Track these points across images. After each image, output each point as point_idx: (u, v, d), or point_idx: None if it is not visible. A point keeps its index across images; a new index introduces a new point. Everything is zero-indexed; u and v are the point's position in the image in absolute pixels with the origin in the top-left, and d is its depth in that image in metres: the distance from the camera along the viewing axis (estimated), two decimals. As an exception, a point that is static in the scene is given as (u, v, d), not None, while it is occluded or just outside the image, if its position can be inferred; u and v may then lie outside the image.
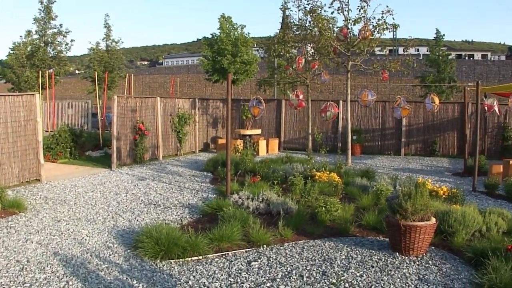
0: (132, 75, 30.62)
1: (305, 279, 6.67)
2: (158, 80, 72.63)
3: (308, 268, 7.07)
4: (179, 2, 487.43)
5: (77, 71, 72.89)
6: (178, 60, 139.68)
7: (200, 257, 7.45)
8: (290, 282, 6.57)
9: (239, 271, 6.94)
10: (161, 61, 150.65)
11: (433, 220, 7.94)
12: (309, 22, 20.47)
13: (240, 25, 27.75)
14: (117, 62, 37.37)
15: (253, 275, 6.79)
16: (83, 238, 8.53)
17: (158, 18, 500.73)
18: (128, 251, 7.79)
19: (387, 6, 18.30)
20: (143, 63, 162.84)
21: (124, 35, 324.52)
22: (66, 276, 6.74)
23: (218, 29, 27.28)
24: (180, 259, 7.33)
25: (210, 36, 27.79)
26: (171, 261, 7.30)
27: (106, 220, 9.80)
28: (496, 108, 18.09)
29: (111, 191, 12.78)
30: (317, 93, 45.77)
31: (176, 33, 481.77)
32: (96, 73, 29.01)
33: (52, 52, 34.28)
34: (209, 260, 7.39)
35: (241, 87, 43.72)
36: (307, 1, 19.95)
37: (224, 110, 24.31)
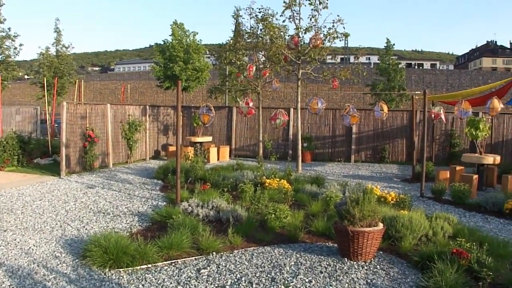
0: (83, 81, 30.24)
1: (254, 286, 6.67)
2: (109, 87, 71.84)
3: (257, 275, 7.07)
4: (131, 8, 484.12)
5: (26, 76, 71.42)
6: (130, 66, 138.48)
7: (150, 266, 7.36)
8: (240, 289, 6.57)
9: (189, 279, 6.89)
10: (113, 67, 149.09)
11: (381, 225, 8.07)
12: (261, 30, 20.59)
13: (192, 32, 27.81)
14: (67, 67, 36.69)
15: (202, 283, 6.75)
16: (30, 248, 8.33)
17: (110, 24, 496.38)
18: (76, 260, 7.64)
19: (338, 16, 18.64)
20: (94, 69, 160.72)
21: (75, 40, 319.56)
22: None
23: (170, 35, 27.27)
24: (129, 268, 7.22)
25: (162, 43, 27.69)
26: (120, 270, 7.19)
27: (54, 229, 9.59)
28: (442, 116, 18.55)
29: (60, 200, 12.53)
30: (269, 101, 46.00)
31: (128, 39, 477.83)
32: (45, 78, 28.51)
33: (-1, 57, 33.50)
34: (159, 268, 7.31)
35: (192, 94, 43.63)
36: (259, 9, 20.11)
37: (175, 117, 24.21)
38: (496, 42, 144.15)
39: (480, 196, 13.83)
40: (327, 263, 7.68)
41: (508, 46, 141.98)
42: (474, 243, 7.94)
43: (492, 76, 58.77)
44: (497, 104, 15.46)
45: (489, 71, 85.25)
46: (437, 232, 8.98)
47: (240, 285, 6.69)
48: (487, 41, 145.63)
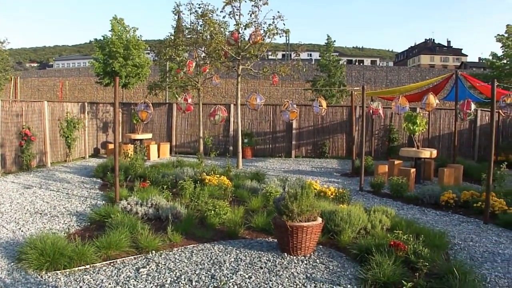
0: (19, 77, 29.38)
1: (194, 283, 6.63)
2: (47, 83, 70.04)
3: (197, 273, 7.04)
4: (71, 1, 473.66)
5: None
6: (69, 62, 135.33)
7: (88, 266, 7.20)
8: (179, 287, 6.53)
9: (128, 279, 6.79)
10: (52, 63, 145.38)
11: (320, 220, 8.16)
12: (201, 26, 20.49)
13: (132, 27, 27.45)
14: (3, 63, 35.65)
15: (141, 282, 6.66)
16: (-39, 252, 8.05)
17: (50, 18, 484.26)
18: (12, 264, 7.38)
19: (278, 12, 18.64)
20: (32, 65, 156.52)
21: (12, 35, 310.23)
22: None
23: (110, 31, 26.79)
24: (67, 270, 7.04)
25: (101, 38, 27.22)
26: (57, 272, 7.00)
27: (-13, 232, 9.31)
28: (380, 111, 18.88)
29: (-6, 201, 12.16)
30: (210, 97, 45.93)
31: (68, 34, 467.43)
32: (-21, 75, 27.62)
33: None
34: (97, 269, 7.17)
35: (133, 91, 43.12)
36: (199, 5, 19.99)
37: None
38: (434, 40, 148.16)
39: (417, 189, 14.17)
40: (267, 258, 7.71)
41: (445, 44, 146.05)
42: (411, 235, 8.11)
43: (429, 72, 60.29)
44: (433, 100, 15.83)
45: (427, 68, 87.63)
46: (375, 225, 9.15)
47: (180, 283, 6.64)
48: (425, 39, 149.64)
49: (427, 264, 6.82)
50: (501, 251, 8.79)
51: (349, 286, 6.60)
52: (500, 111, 12.77)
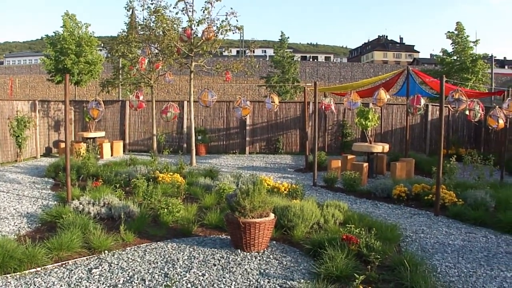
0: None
1: (147, 282, 6.59)
2: (-3, 81, 68.39)
3: (150, 271, 7.00)
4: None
5: None
6: (20, 59, 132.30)
7: (39, 269, 7.06)
8: (132, 287, 6.48)
9: (80, 280, 6.70)
10: (2, 60, 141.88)
11: (272, 216, 8.22)
12: (153, 22, 20.30)
13: (85, 23, 27.04)
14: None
15: (94, 283, 6.58)
16: None
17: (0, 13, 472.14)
18: (-42, 268, 7.23)
19: (231, 8, 18.66)
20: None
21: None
22: None
23: (61, 27, 26.31)
24: (17, 273, 6.88)
25: (53, 35, 26.73)
26: (7, 275, 6.82)
27: None
28: (333, 107, 19.08)
29: None
30: (164, 94, 45.63)
31: (19, 30, 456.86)
32: None
33: None
34: (48, 271, 7.04)
35: (86, 88, 42.42)
36: (152, 1, 19.80)
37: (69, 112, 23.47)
38: (387, 36, 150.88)
39: (370, 183, 14.46)
40: (221, 255, 7.73)
41: (398, 41, 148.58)
42: (364, 229, 8.31)
43: (382, 68, 61.23)
44: (384, 95, 16.09)
45: (380, 64, 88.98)
46: (328, 220, 9.29)
47: (133, 282, 6.60)
48: (379, 36, 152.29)
49: (379, 257, 6.98)
50: (451, 242, 9.04)
51: (302, 280, 6.65)
52: (449, 106, 13.05)
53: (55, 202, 11.70)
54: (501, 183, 14.63)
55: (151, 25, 20.49)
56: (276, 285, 6.55)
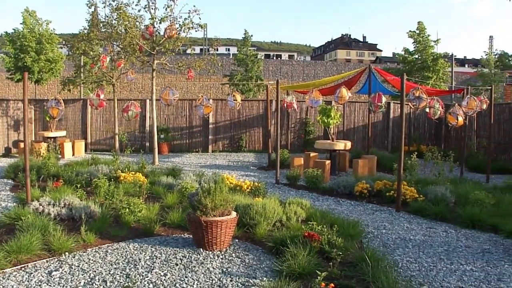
0: None
1: (108, 284, 6.51)
2: (-47, 80, 66.72)
3: (111, 272, 6.92)
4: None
5: None
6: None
7: (-3, 272, 6.95)
8: (93, 289, 6.40)
9: (39, 283, 6.56)
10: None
11: (234, 214, 8.22)
12: (115, 19, 20.08)
13: (45, 20, 26.56)
14: None
15: (54, 286, 6.46)
16: None
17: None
18: None
19: (194, 6, 18.53)
20: None
21: None
22: None
23: (21, 24, 25.83)
24: (-26, 277, 6.77)
25: (12, 32, 26.22)
26: (-37, 279, 6.72)
27: None
28: (295, 105, 19.17)
29: None
30: (127, 92, 45.18)
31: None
32: None
33: None
34: (7, 275, 6.87)
35: (46, 87, 41.79)
36: (113, -2, 19.57)
37: (28, 111, 23.04)
38: (350, 35, 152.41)
39: (333, 181, 14.48)
40: (183, 254, 7.69)
41: (361, 40, 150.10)
42: (326, 225, 8.32)
43: (345, 67, 61.58)
44: (345, 93, 16.21)
45: (343, 62, 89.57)
46: (290, 217, 9.32)
47: (94, 284, 6.50)
48: (342, 35, 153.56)
49: (341, 253, 7.04)
50: (412, 237, 9.18)
51: (265, 278, 6.66)
52: (410, 103, 13.23)
53: (14, 203, 11.42)
54: (461, 179, 14.93)
55: (113, 22, 20.25)
56: (239, 284, 6.54)
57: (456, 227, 10.00)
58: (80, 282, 6.57)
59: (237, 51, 39.40)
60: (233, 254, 7.74)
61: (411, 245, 8.63)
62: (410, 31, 31.75)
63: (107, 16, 20.60)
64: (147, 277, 6.75)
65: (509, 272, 7.36)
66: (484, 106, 17.00)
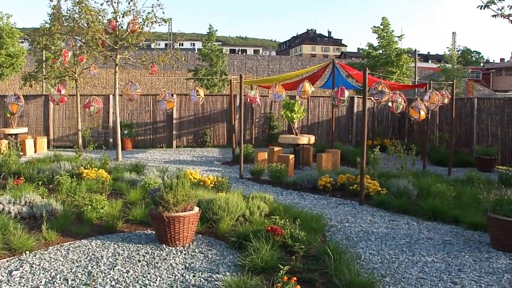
0: None
1: (70, 282, 6.44)
2: None
3: (73, 271, 6.84)
4: None
5: None
6: None
7: (-46, 272, 6.81)
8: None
9: (-1, 283, 6.50)
10: None
11: (197, 209, 8.22)
12: (78, 13, 19.79)
13: (6, 14, 26.11)
14: None
15: (14, 286, 6.35)
16: None
17: None
18: None
19: (158, 0, 18.41)
20: None
21: None
22: None
23: (-19, 18, 25.36)
24: None
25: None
26: None
27: None
28: (258, 100, 19.21)
29: None
30: (90, 88, 44.64)
31: None
32: None
33: None
34: (-35, 275, 6.78)
35: (8, 82, 41.06)
36: (76, -9, 19.30)
37: (-15, 108, 22.62)
38: (315, 30, 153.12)
39: (297, 175, 14.60)
40: (145, 251, 7.65)
41: (326, 35, 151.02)
42: (289, 220, 8.39)
43: (310, 62, 62.04)
44: (308, 88, 16.27)
45: (308, 57, 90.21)
46: (254, 212, 9.35)
47: (55, 283, 6.42)
48: (307, 30, 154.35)
49: (303, 247, 7.09)
50: (375, 230, 9.31)
51: (228, 273, 6.67)
52: (372, 98, 13.35)
53: (-26, 202, 11.23)
54: (423, 172, 15.19)
55: (75, 16, 19.97)
56: (202, 279, 6.54)
57: (418, 220, 10.19)
58: (41, 281, 6.48)
59: (202, 46, 39.30)
60: (196, 250, 7.74)
61: (374, 238, 8.76)
62: (374, 26, 32.09)
63: (69, 10, 20.32)
64: (109, 274, 6.70)
65: (469, 262, 7.54)
66: (446, 101, 17.26)
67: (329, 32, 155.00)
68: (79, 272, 6.80)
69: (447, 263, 7.48)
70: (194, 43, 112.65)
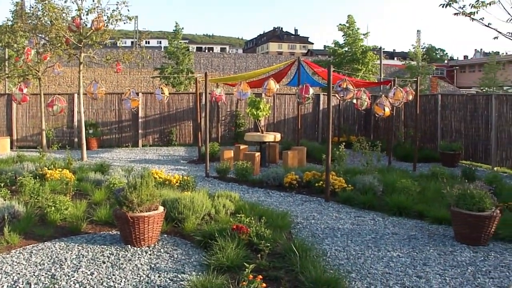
0: None
1: (32, 286, 6.31)
2: None
3: (36, 274, 6.71)
4: None
5: None
6: None
7: None
8: (16, 292, 6.20)
9: (-41, 288, 6.33)
10: None
11: (161, 209, 8.17)
12: (41, 10, 19.48)
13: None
14: None
15: (-26, 290, 6.25)
16: None
17: None
18: None
19: (123, -3, 18.24)
20: None
21: None
22: None
23: None
24: None
25: None
26: None
27: None
28: (223, 98, 19.17)
29: None
30: (55, 86, 43.98)
31: None
32: None
33: None
34: None
35: (-29, 82, 40.25)
36: (40, -12, 18.98)
37: None
38: (282, 28, 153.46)
39: (263, 172, 14.60)
40: (110, 252, 7.56)
41: (293, 32, 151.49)
42: (255, 217, 8.39)
43: (277, 59, 62.03)
44: (273, 85, 16.25)
45: (275, 55, 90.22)
46: (219, 210, 9.35)
47: (17, 287, 6.28)
48: (274, 27, 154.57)
49: (269, 245, 7.11)
50: (340, 226, 9.38)
51: (193, 273, 6.65)
52: (337, 95, 13.42)
53: None
54: (389, 168, 15.34)
55: (38, 13, 19.65)
56: (167, 279, 6.50)
57: (383, 215, 10.31)
58: (3, 286, 6.34)
59: (168, 44, 39.03)
60: (162, 250, 7.69)
61: (339, 234, 8.82)
62: (340, 24, 32.35)
63: (32, 7, 19.99)
64: (73, 277, 6.60)
65: (434, 256, 7.67)
66: (410, 97, 17.45)
67: (296, 30, 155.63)
68: (42, 275, 6.68)
69: (412, 258, 7.58)
70: (160, 41, 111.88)
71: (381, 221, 9.88)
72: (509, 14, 9.76)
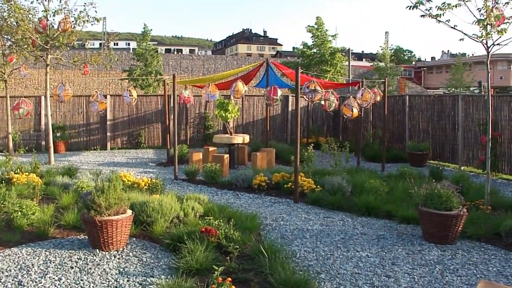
0: None
1: (-1, 292, 6.26)
2: None
3: (2, 281, 6.60)
4: None
5: None
6: None
7: None
8: (-19, 299, 6.11)
9: None
10: None
11: (130, 212, 8.14)
12: (6, 11, 19.19)
13: None
14: None
15: None
16: None
17: None
18: None
19: (90, -2, 18.07)
20: None
21: None
22: None
23: None
24: None
25: None
26: None
27: None
28: (192, 100, 19.15)
29: None
30: (22, 89, 43.45)
31: None
32: None
33: None
34: None
35: None
36: (2, -12, 18.69)
37: None
38: (251, 30, 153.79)
39: (232, 174, 14.62)
40: (78, 257, 7.49)
41: (262, 34, 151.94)
42: (223, 220, 8.45)
43: (246, 61, 62.22)
44: (241, 87, 16.24)
45: (244, 57, 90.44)
46: (188, 213, 9.33)
47: (-18, 294, 6.22)
48: (243, 29, 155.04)
49: (238, 247, 7.16)
50: (310, 227, 9.44)
51: (162, 276, 6.65)
52: (305, 96, 13.50)
53: None
54: (357, 169, 15.46)
55: (3, 14, 19.34)
56: (136, 283, 6.47)
57: (352, 216, 10.40)
58: (-34, 293, 6.26)
59: (137, 45, 38.83)
60: (130, 253, 7.65)
61: (308, 235, 8.88)
62: (308, 26, 32.56)
63: (-3, 8, 19.66)
64: (41, 283, 6.52)
65: (403, 255, 7.78)
66: (378, 98, 17.60)
67: (265, 32, 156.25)
68: (9, 282, 6.59)
69: (381, 257, 7.67)
70: (129, 43, 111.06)
71: (350, 221, 9.97)
72: (474, 16, 9.90)
